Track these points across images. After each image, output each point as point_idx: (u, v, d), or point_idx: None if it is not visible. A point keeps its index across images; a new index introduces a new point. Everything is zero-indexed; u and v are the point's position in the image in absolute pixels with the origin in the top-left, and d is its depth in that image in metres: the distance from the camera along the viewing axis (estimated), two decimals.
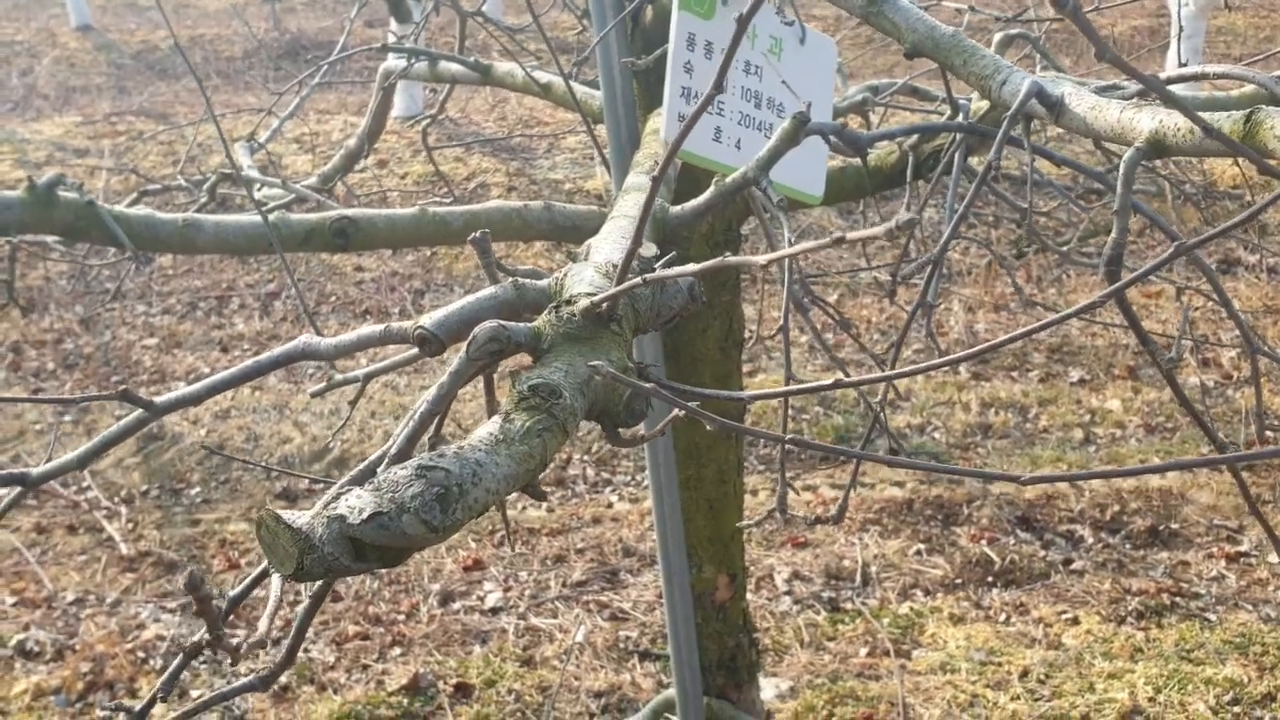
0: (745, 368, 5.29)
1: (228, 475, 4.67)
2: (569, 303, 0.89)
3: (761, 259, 0.65)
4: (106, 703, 3.19)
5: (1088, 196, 5.87)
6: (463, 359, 0.87)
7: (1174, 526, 3.99)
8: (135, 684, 3.36)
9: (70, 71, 10.93)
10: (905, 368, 0.85)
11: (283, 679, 3.34)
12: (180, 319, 6.08)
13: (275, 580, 0.83)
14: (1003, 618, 3.54)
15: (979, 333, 5.50)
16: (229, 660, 3.40)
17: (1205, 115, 1.11)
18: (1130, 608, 3.54)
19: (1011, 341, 0.81)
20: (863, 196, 2.28)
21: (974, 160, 2.23)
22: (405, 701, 3.23)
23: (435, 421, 1.16)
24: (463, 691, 3.28)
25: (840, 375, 1.16)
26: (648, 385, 0.75)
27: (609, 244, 1.21)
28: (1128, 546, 3.92)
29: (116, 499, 4.53)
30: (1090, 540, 3.96)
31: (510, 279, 1.00)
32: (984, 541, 3.93)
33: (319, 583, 0.92)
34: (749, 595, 3.68)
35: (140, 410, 1.09)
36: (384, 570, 3.83)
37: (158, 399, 1.07)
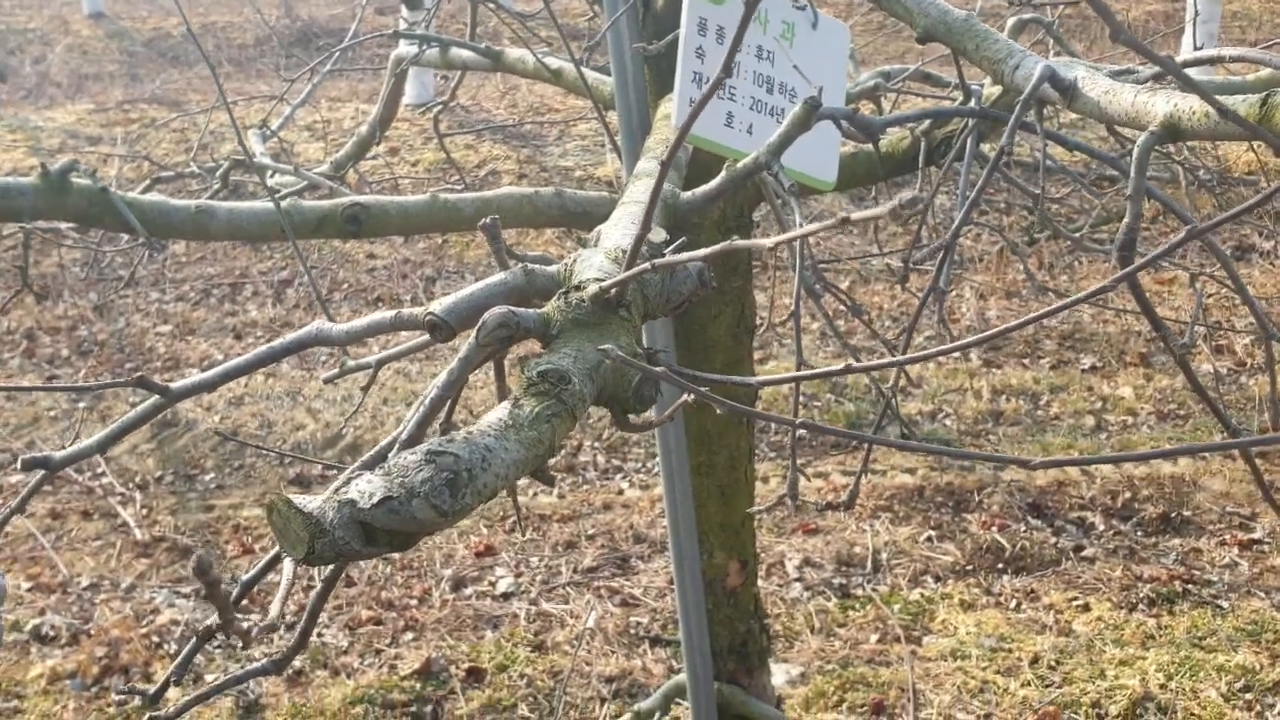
0: (756, 354, 5.28)
1: (241, 461, 4.69)
2: (578, 288, 0.90)
3: (768, 242, 0.65)
4: (121, 687, 3.22)
5: (1100, 183, 5.83)
6: (472, 345, 0.87)
7: (1186, 513, 3.98)
8: (150, 668, 3.39)
9: (83, 59, 10.96)
10: (916, 353, 0.85)
11: (296, 663, 3.36)
12: (194, 306, 6.11)
13: (287, 564, 0.84)
14: (1013, 604, 3.54)
15: (991, 319, 5.48)
16: (241, 644, 3.42)
17: (1221, 99, 1.10)
18: (1142, 595, 3.53)
19: (1022, 327, 0.81)
20: (875, 182, 2.27)
21: (986, 146, 2.22)
22: (418, 686, 3.25)
23: (447, 407, 1.16)
24: (474, 676, 3.30)
25: (850, 361, 1.16)
26: (657, 370, 0.75)
27: (619, 230, 1.21)
28: (1139, 533, 3.91)
29: (131, 485, 4.56)
30: (1101, 527, 3.95)
31: (520, 265, 1.01)
32: (995, 528, 3.93)
33: (331, 567, 0.92)
34: (760, 581, 3.68)
35: (156, 396, 1.10)
36: (395, 555, 3.84)
37: (173, 385, 1.08)
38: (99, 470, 4.64)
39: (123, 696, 3.00)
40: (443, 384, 0.91)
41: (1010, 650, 3.29)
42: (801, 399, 4.85)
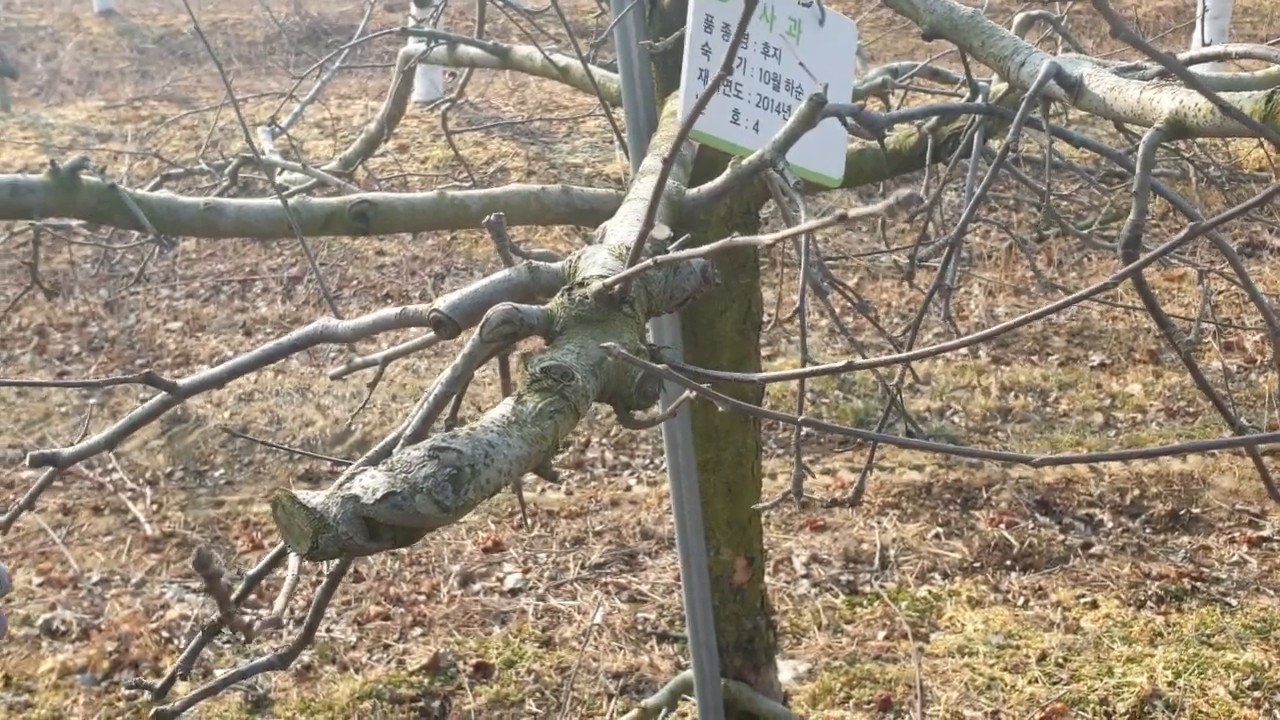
0: (764, 351, 5.28)
1: (251, 457, 4.71)
2: (581, 285, 0.90)
3: (767, 238, 0.66)
4: (129, 681, 3.24)
5: (1109, 179, 5.82)
6: (475, 341, 0.88)
7: (1195, 511, 3.97)
8: (160, 663, 3.40)
9: (93, 56, 10.99)
10: (922, 349, 0.85)
11: (305, 658, 3.38)
12: (204, 302, 6.13)
13: (293, 560, 0.84)
14: (1021, 601, 3.54)
15: (999, 316, 5.47)
16: (245, 639, 3.44)
17: (1227, 96, 1.10)
18: (1150, 592, 3.53)
19: (1026, 323, 0.81)
20: (882, 179, 2.27)
21: (994, 143, 2.22)
22: (426, 681, 3.26)
23: (452, 403, 1.17)
24: (482, 671, 3.31)
25: (853, 358, 1.16)
26: (659, 367, 0.76)
27: (624, 227, 1.22)
28: (1148, 531, 3.90)
29: (141, 480, 4.58)
30: (1110, 524, 3.95)
31: (525, 262, 1.01)
32: (1003, 525, 3.92)
33: (337, 562, 0.93)
34: (767, 578, 3.68)
35: (164, 393, 1.10)
36: (404, 550, 3.85)
37: (180, 381, 1.08)
38: (110, 466, 4.66)
39: (132, 691, 3.01)
40: (447, 380, 0.92)
41: (1018, 647, 3.29)
42: (809, 395, 4.85)
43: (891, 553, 3.82)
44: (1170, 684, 3.06)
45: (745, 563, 2.47)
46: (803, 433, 4.77)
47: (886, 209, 0.54)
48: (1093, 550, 3.80)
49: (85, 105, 9.12)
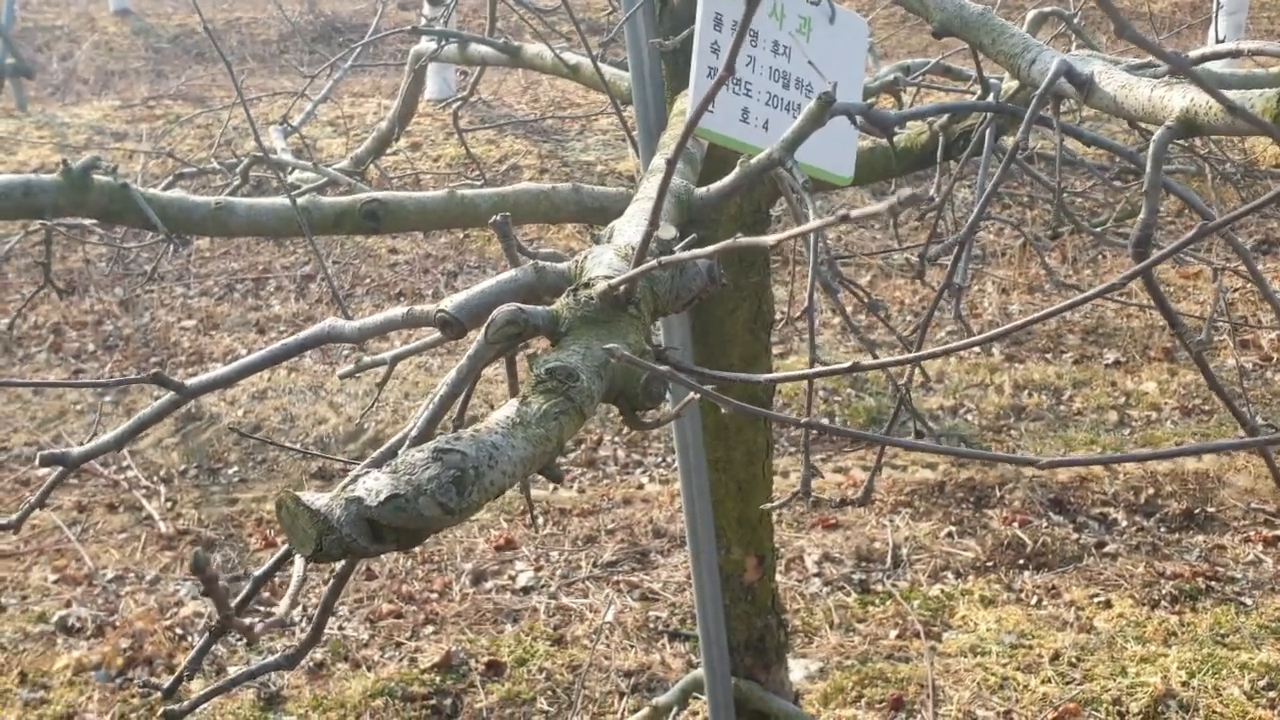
0: (777, 349, 5.27)
1: (264, 455, 4.72)
2: (587, 286, 0.90)
3: (770, 239, 0.65)
4: (140, 680, 3.25)
5: (1124, 176, 5.79)
6: (481, 342, 0.88)
7: (1210, 510, 3.95)
8: (174, 660, 3.42)
9: (109, 56, 11.04)
10: (930, 350, 0.85)
11: (317, 656, 3.39)
12: (218, 301, 6.15)
13: (298, 561, 0.85)
14: (1034, 601, 3.52)
15: (1013, 314, 5.45)
16: (247, 641, 3.45)
17: (1240, 93, 1.09)
18: (1164, 591, 3.51)
19: (1033, 324, 0.81)
20: (893, 177, 2.26)
21: (1007, 140, 2.21)
22: (438, 679, 3.26)
23: (460, 403, 1.17)
24: (494, 669, 3.31)
25: (860, 358, 1.16)
26: (662, 369, 0.76)
27: (631, 226, 1.21)
28: (1162, 530, 3.88)
29: (155, 478, 4.60)
30: (1124, 523, 3.93)
31: (531, 262, 1.01)
32: (1016, 524, 3.91)
33: (343, 563, 0.93)
34: (779, 577, 3.68)
35: (173, 393, 1.11)
36: (416, 549, 3.85)
37: (188, 381, 1.08)
38: (124, 464, 4.68)
39: (143, 689, 3.03)
40: (452, 381, 0.92)
41: (1031, 647, 3.28)
42: (822, 394, 4.84)
43: (904, 551, 3.81)
44: (1184, 684, 3.04)
45: (756, 561, 2.47)
46: (812, 433, 4.77)
47: (889, 209, 0.54)
48: (1107, 549, 3.78)
49: (101, 105, 9.17)
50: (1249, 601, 3.45)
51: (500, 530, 4.07)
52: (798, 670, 3.22)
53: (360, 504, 0.70)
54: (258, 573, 0.93)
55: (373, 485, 0.71)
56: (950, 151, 2.01)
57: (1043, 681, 3.12)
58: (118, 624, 3.61)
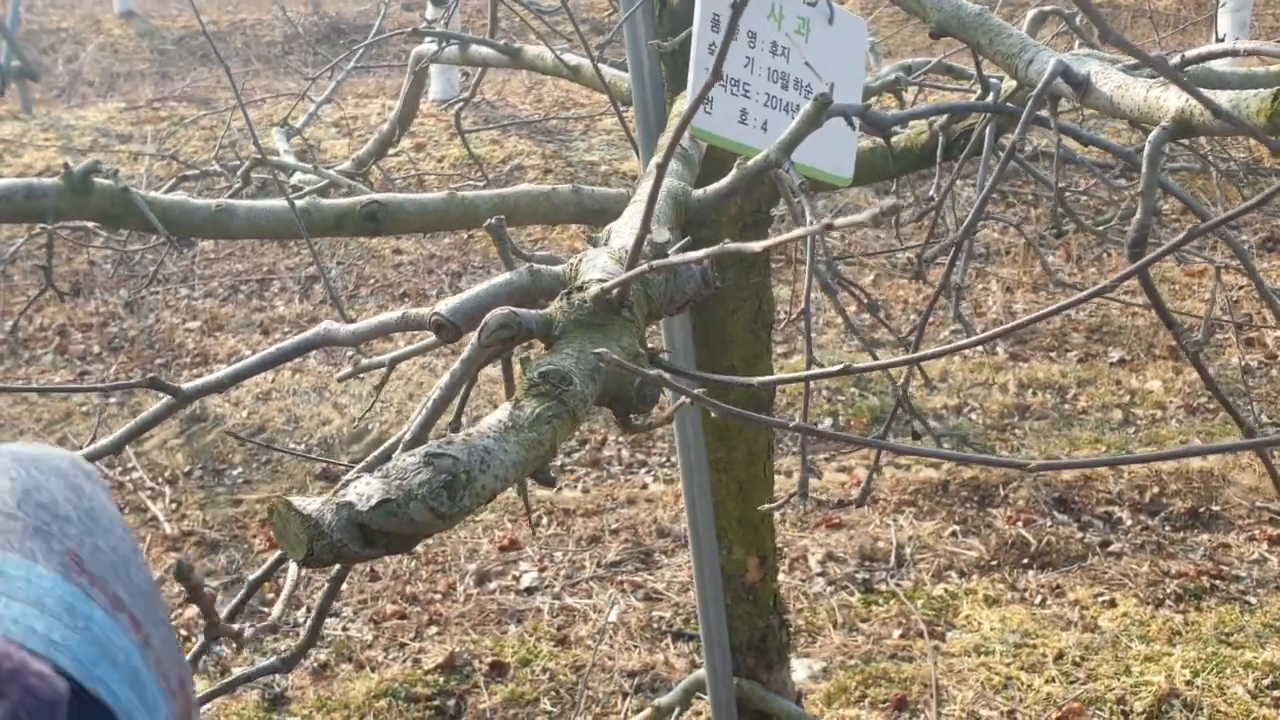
0: (782, 348, 5.27)
1: (269, 456, 4.73)
2: (580, 289, 0.90)
3: (757, 245, 0.66)
4: None
5: (1128, 174, 5.78)
6: (474, 346, 0.88)
7: (1215, 508, 3.94)
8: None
9: (114, 58, 11.07)
10: (929, 350, 0.85)
11: (321, 657, 3.39)
12: (222, 302, 6.16)
13: (292, 566, 0.85)
14: (1038, 600, 3.52)
15: (1017, 313, 5.44)
16: (237, 646, 3.45)
17: (1235, 94, 1.09)
18: (1169, 590, 3.50)
19: (1026, 325, 0.81)
20: (893, 177, 2.26)
21: (1008, 139, 2.20)
22: (441, 680, 3.27)
23: (458, 405, 1.17)
24: (498, 670, 3.31)
25: (862, 358, 1.15)
26: (651, 373, 0.76)
27: (627, 229, 1.21)
28: (1167, 528, 3.88)
29: (160, 479, 4.61)
30: (1129, 522, 3.92)
31: (526, 265, 1.01)
32: (1020, 523, 3.90)
33: (338, 567, 0.93)
34: (782, 576, 3.68)
35: (170, 397, 1.11)
36: (417, 549, 3.85)
37: (185, 385, 1.09)
38: (129, 466, 4.69)
39: None
40: (446, 385, 0.92)
41: (1034, 646, 3.27)
42: (825, 393, 4.84)
43: (907, 551, 3.81)
44: (1188, 683, 3.04)
45: (758, 562, 2.47)
46: (819, 428, 4.77)
47: (872, 218, 0.54)
48: (1111, 548, 3.78)
49: (106, 107, 9.19)
50: (1253, 600, 3.44)
51: (504, 531, 4.07)
52: (801, 670, 3.22)
53: (351, 509, 0.70)
54: (253, 576, 0.93)
55: (364, 490, 0.71)
56: (951, 151, 2.01)
57: (1046, 681, 3.12)
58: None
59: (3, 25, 8.16)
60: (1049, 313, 0.78)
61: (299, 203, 2.04)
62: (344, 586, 3.79)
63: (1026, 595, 3.55)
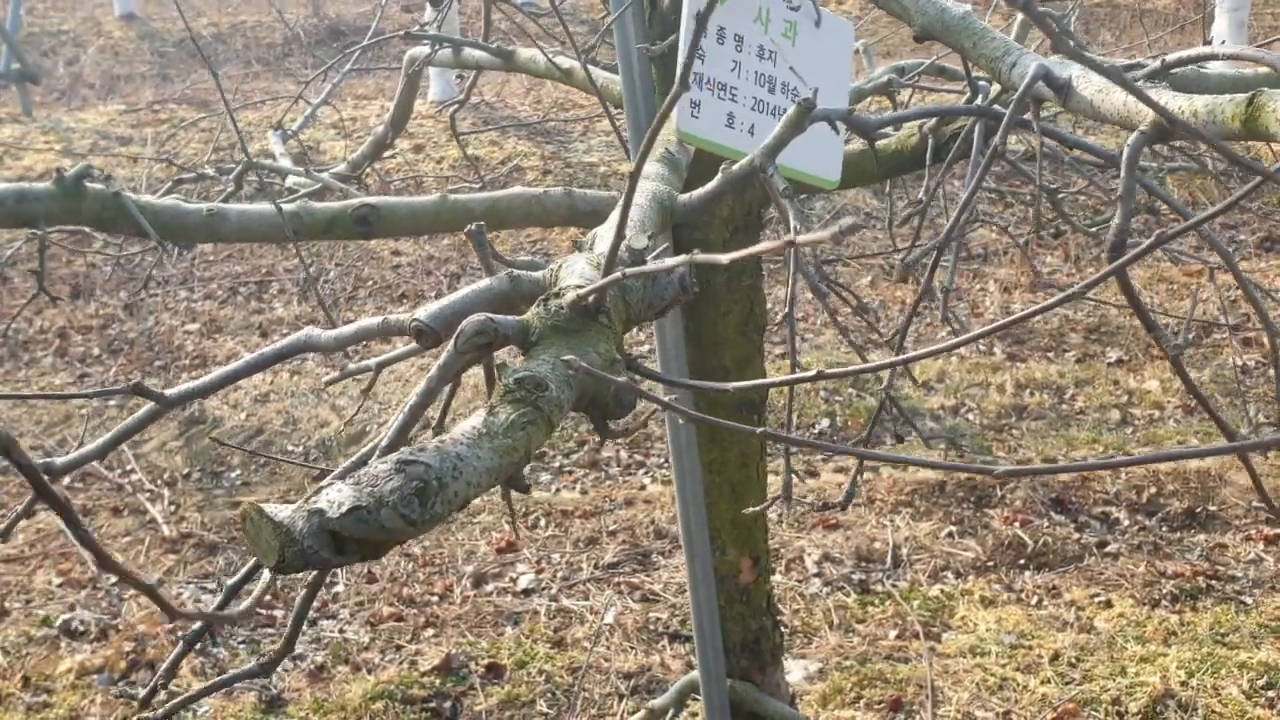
0: (780, 349, 5.28)
1: (267, 458, 4.74)
2: (558, 295, 0.90)
3: (724, 258, 0.66)
4: (118, 691, 3.26)
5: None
6: (450, 352, 0.89)
7: (1212, 508, 3.94)
8: (176, 663, 3.43)
9: (115, 60, 11.08)
10: (913, 352, 0.85)
11: (318, 659, 3.40)
12: (221, 304, 6.17)
13: (266, 571, 0.85)
14: (1034, 601, 3.52)
15: (1014, 312, 5.44)
16: (219, 644, 3.46)
17: (1210, 99, 1.09)
18: (1165, 591, 3.51)
19: (1002, 329, 0.81)
20: (879, 180, 2.26)
21: (1012, 141, 2.21)
22: (437, 682, 3.27)
23: (441, 409, 1.17)
24: (494, 672, 3.32)
25: (848, 362, 1.16)
26: (619, 380, 0.76)
27: (612, 233, 1.22)
28: (1164, 529, 3.88)
29: (159, 481, 4.62)
30: (1126, 522, 3.92)
31: (506, 270, 1.02)
32: (1017, 524, 3.90)
33: (315, 573, 0.93)
34: (779, 577, 3.68)
35: (153, 403, 1.12)
36: (414, 550, 3.85)
37: (168, 392, 1.09)
38: (128, 468, 4.70)
39: (118, 694, 3.05)
40: (422, 391, 0.92)
41: (1030, 647, 3.28)
42: (823, 393, 4.84)
43: (904, 551, 3.81)
44: (1183, 684, 3.04)
45: (751, 563, 2.47)
46: (816, 430, 4.73)
47: (832, 236, 0.55)
48: (1108, 549, 3.78)
49: (106, 109, 9.20)
50: (1249, 600, 3.44)
51: (502, 532, 4.08)
52: (797, 671, 3.22)
53: (322, 516, 0.70)
54: (232, 581, 0.94)
55: (335, 497, 0.71)
56: (940, 153, 2.01)
57: (1042, 682, 3.12)
58: (120, 627, 3.62)
59: (3, 28, 8.17)
60: (1021, 318, 0.79)
61: (291, 206, 2.05)
62: (340, 588, 3.80)
63: (1023, 596, 3.56)
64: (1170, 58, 1.23)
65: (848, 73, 1.83)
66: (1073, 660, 3.20)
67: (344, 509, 0.70)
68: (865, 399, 4.79)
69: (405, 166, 7.31)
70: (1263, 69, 1.80)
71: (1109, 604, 3.47)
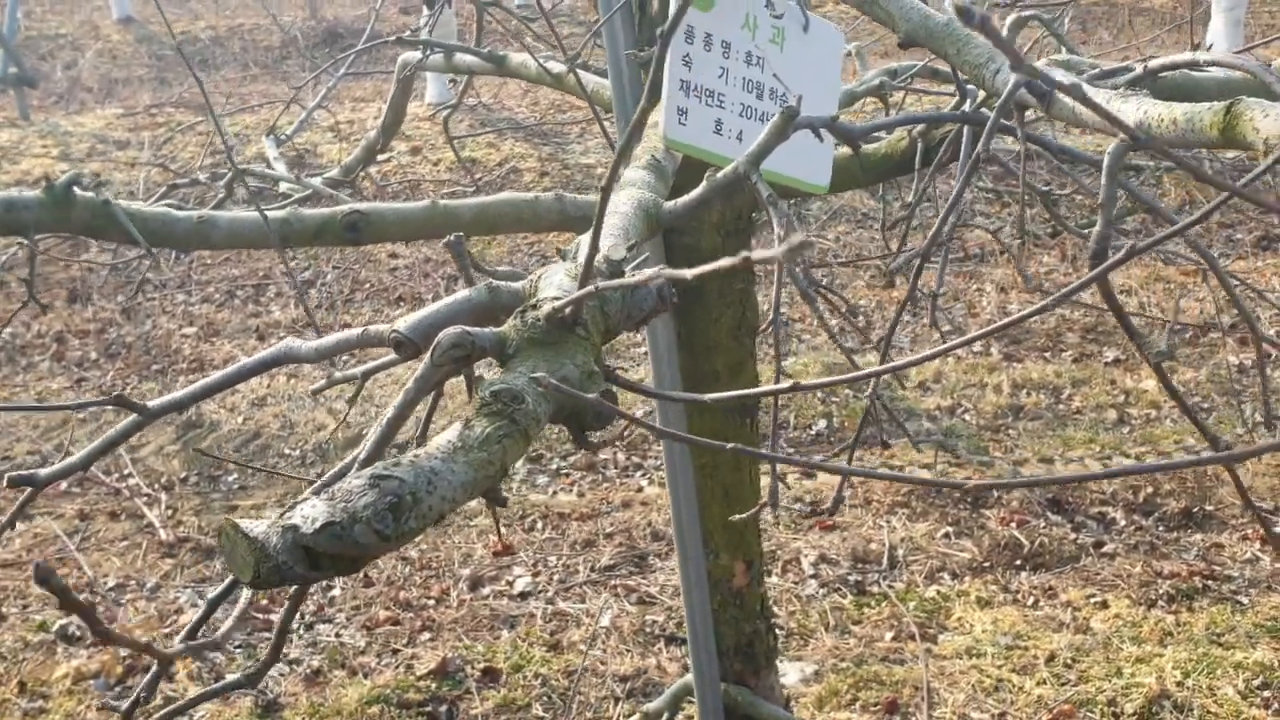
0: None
1: (264, 462, 4.74)
2: (535, 307, 0.91)
3: (689, 273, 0.66)
4: (101, 702, 3.26)
5: (1128, 171, 5.77)
6: (427, 365, 0.89)
7: (1208, 508, 3.94)
8: (172, 668, 3.44)
9: (112, 63, 11.09)
10: (866, 370, 0.85)
11: (314, 663, 3.40)
12: (218, 307, 6.18)
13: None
14: (1031, 602, 3.52)
15: (1012, 313, 5.44)
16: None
17: (1190, 106, 1.10)
18: (1161, 591, 3.51)
19: (984, 338, 0.81)
20: (863, 186, 2.27)
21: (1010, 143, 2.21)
22: (434, 686, 3.28)
23: (424, 420, 1.18)
24: (490, 676, 3.32)
25: (796, 381, 1.16)
26: (588, 397, 0.76)
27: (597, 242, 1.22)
28: (1160, 529, 3.88)
29: (157, 485, 4.62)
30: (1122, 522, 3.92)
31: (486, 281, 1.02)
32: (1013, 524, 3.90)
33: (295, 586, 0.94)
34: (775, 579, 3.69)
35: (135, 415, 1.12)
36: (411, 554, 3.84)
37: (150, 403, 1.10)
38: (126, 472, 4.71)
39: (104, 709, 3.05)
40: (399, 404, 0.92)
41: (1026, 648, 3.28)
42: (820, 395, 4.84)
43: (900, 552, 3.81)
44: (1179, 684, 3.04)
45: (744, 566, 2.48)
46: (813, 431, 4.73)
47: (784, 253, 0.55)
48: (1105, 549, 3.78)
49: (104, 113, 9.21)
50: (1245, 600, 3.44)
51: (498, 536, 4.08)
52: (793, 673, 3.22)
53: (296, 531, 0.70)
54: (212, 594, 0.94)
55: (309, 513, 0.71)
56: (930, 157, 2.01)
57: (1038, 683, 3.12)
58: (117, 632, 3.62)
59: (0, 33, 8.17)
60: (999, 327, 0.79)
61: (281, 213, 2.05)
62: (336, 592, 3.80)
63: (1019, 597, 3.56)
64: (1154, 63, 1.23)
65: (837, 77, 1.83)
66: (1068, 661, 3.20)
67: (318, 525, 0.70)
68: (862, 400, 4.79)
69: (403, 169, 7.31)
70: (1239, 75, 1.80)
71: (1105, 604, 3.47)
